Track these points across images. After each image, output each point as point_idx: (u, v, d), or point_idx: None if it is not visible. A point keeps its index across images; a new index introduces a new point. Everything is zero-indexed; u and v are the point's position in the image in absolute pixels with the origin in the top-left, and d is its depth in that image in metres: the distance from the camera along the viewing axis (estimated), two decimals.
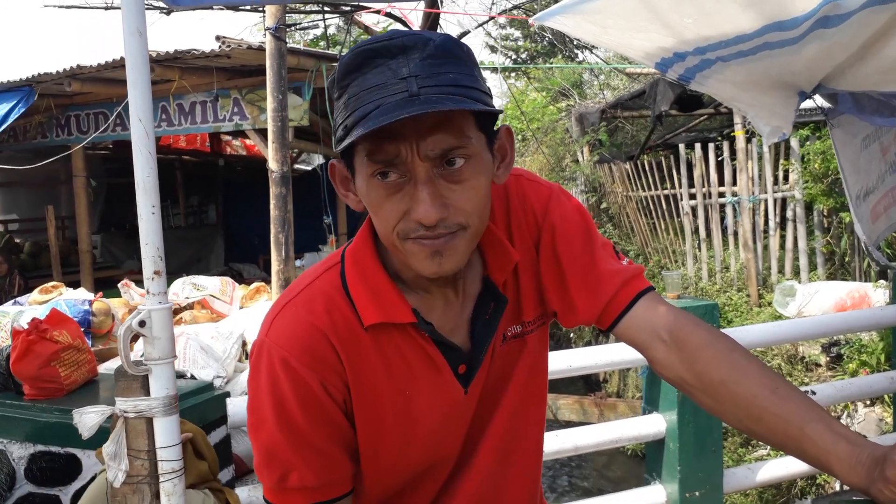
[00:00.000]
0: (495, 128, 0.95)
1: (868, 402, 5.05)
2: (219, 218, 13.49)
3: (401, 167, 0.87)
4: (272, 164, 3.06)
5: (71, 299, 3.49)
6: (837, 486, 4.72)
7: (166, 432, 1.53)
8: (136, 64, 1.46)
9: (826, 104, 2.79)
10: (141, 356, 1.51)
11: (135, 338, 1.50)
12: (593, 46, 12.86)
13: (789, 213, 7.10)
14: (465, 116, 0.87)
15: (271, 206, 2.98)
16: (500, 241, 1.03)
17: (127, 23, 1.45)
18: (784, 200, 7.14)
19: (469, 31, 11.15)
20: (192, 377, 2.81)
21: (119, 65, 6.57)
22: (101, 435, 1.62)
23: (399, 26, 10.34)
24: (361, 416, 1.00)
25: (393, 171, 0.87)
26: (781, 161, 7.10)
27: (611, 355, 2.87)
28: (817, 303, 5.87)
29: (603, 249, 1.08)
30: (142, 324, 1.48)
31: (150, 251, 1.50)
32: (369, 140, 0.85)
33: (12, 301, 4.23)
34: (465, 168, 0.88)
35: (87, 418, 1.58)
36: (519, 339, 1.08)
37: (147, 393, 1.53)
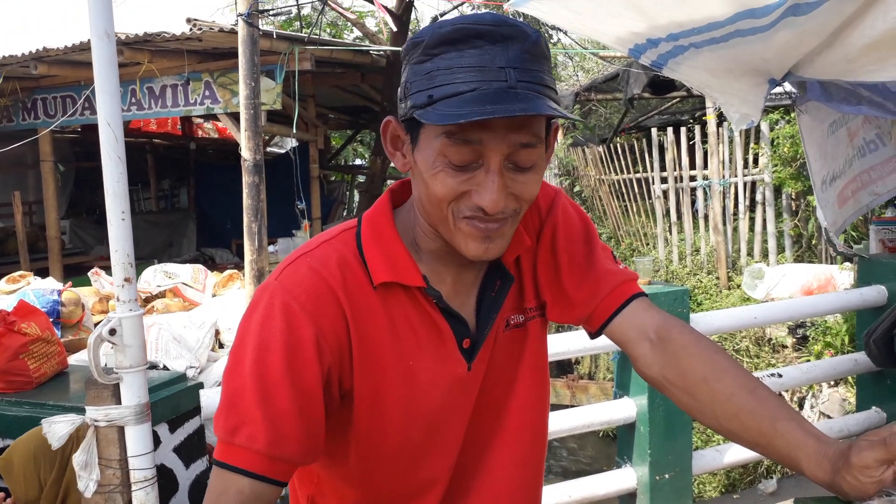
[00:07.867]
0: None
1: (832, 383, 5.16)
2: (190, 202, 13.34)
3: (476, 153, 0.88)
4: (245, 153, 3.03)
5: (39, 289, 3.43)
6: None
7: (138, 441, 1.52)
8: (105, 68, 1.41)
9: (795, 91, 2.83)
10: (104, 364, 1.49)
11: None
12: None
13: (758, 197, 7.19)
14: (541, 116, 0.90)
15: (244, 195, 2.95)
16: None
17: (94, 25, 1.40)
18: (754, 184, 7.24)
19: (445, 14, 11.08)
20: (165, 368, 2.78)
21: (87, 47, 6.42)
22: None
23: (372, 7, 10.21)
24: (363, 383, 0.99)
25: (468, 154, 0.88)
26: (752, 145, 7.18)
27: (583, 342, 2.89)
28: (785, 285, 5.98)
29: (602, 252, 1.13)
30: (112, 332, 1.45)
31: (121, 258, 1.47)
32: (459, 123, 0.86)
33: None
34: (533, 163, 0.92)
35: (57, 428, 1.55)
36: (521, 329, 1.10)
37: (118, 401, 1.50)
